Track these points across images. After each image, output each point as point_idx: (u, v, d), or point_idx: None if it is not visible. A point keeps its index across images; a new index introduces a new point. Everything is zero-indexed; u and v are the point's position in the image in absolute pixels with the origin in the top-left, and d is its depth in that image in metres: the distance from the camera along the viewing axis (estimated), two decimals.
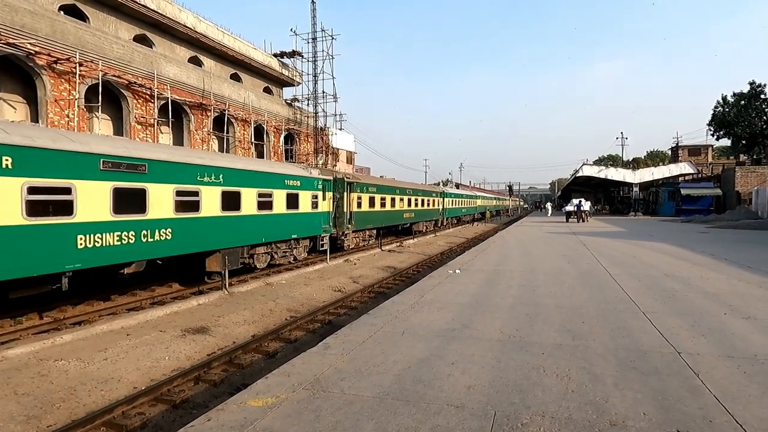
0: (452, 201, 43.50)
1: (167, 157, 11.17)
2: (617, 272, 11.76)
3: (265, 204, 14.52)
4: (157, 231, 10.66)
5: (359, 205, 22.24)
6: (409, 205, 30.44)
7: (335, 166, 42.63)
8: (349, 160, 50.02)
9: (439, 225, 39.05)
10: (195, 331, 9.32)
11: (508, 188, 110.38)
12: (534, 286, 10.10)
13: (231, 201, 13.00)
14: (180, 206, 11.30)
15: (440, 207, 38.61)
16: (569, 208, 40.94)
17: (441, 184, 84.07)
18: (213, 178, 12.31)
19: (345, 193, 20.64)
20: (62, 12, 22.51)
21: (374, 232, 25.09)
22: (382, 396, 4.43)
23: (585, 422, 3.89)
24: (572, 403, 4.25)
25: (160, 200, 10.77)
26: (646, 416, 3.99)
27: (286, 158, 37.38)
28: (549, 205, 73.16)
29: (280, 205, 15.29)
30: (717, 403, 4.22)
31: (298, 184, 16.38)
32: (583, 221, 37.86)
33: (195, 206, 11.78)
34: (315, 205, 17.50)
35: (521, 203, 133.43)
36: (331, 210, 19.13)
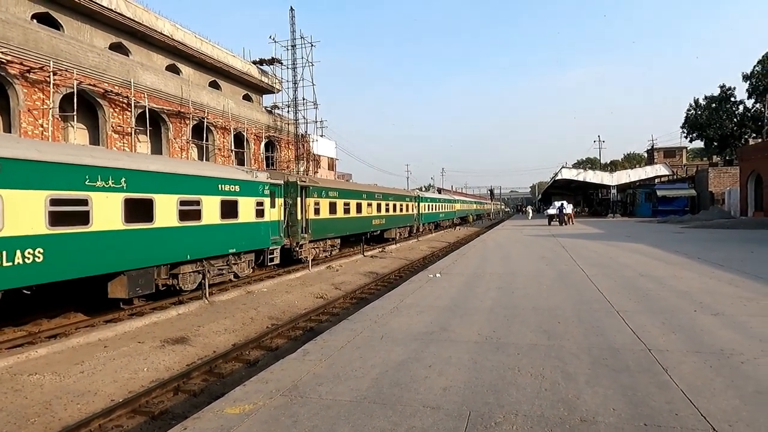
0: (429, 206, 41.90)
1: (36, 155, 8.76)
2: (594, 273, 11.99)
3: (190, 214, 12.31)
4: (17, 252, 8.27)
5: (317, 211, 20.23)
6: (379, 210, 28.46)
7: (316, 172, 42.59)
8: (331, 166, 50.02)
9: (415, 231, 37.55)
10: (174, 341, 9.23)
11: (489, 192, 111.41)
12: (512, 288, 10.25)
13: (139, 211, 10.86)
14: (58, 219, 9.01)
15: (415, 212, 37.09)
16: (551, 211, 40.31)
17: (423, 188, 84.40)
18: (111, 182, 10.13)
19: (299, 199, 18.68)
20: (35, 20, 22.16)
21: (337, 241, 23.02)
22: (359, 400, 4.48)
23: (557, 419, 3.99)
24: (545, 401, 4.35)
25: (23, 211, 8.40)
26: (615, 411, 4.10)
27: (267, 165, 37.23)
28: (529, 209, 74.03)
29: (212, 214, 13.09)
30: (684, 397, 4.36)
31: (237, 189, 14.17)
32: (566, 224, 37.21)
33: (83, 218, 9.53)
34: (261, 213, 15.34)
35: (503, 207, 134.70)
36: (283, 218, 17.27)
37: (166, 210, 11.56)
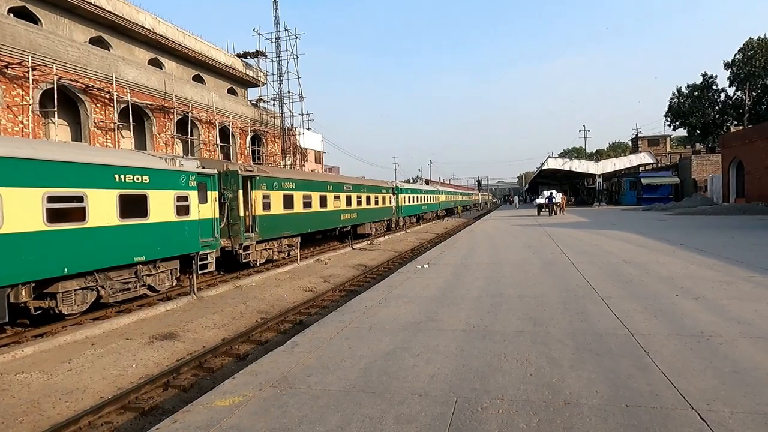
0: (409, 197, 38.90)
1: None
2: (579, 261, 12.16)
3: (67, 213, 9.50)
4: None
5: (267, 206, 17.21)
6: (349, 203, 25.58)
7: (303, 166, 42.42)
8: (318, 159, 49.86)
9: (394, 226, 34.76)
10: (163, 337, 9.20)
11: (476, 183, 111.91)
12: (499, 277, 10.37)
13: None
14: None
15: (393, 204, 34.20)
16: (540, 200, 39.57)
17: (411, 180, 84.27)
18: None
19: (241, 192, 15.69)
20: (11, 14, 21.67)
21: (296, 240, 19.82)
22: (348, 389, 4.54)
23: (541, 402, 4.09)
24: (530, 386, 4.44)
25: None
26: (598, 394, 4.21)
27: (254, 159, 36.99)
28: (516, 198, 74.55)
29: (104, 212, 10.18)
30: (664, 379, 4.49)
31: (146, 181, 11.24)
32: (555, 214, 36.43)
33: None
34: (184, 210, 12.42)
35: (490, 197, 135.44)
36: (219, 215, 14.26)
37: (24, 209, 8.62)
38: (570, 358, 5.13)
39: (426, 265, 12.56)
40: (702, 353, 5.12)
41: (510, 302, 7.91)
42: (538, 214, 37.81)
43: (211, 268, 13.81)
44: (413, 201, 40.34)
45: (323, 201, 22.30)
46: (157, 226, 11.62)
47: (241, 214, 15.55)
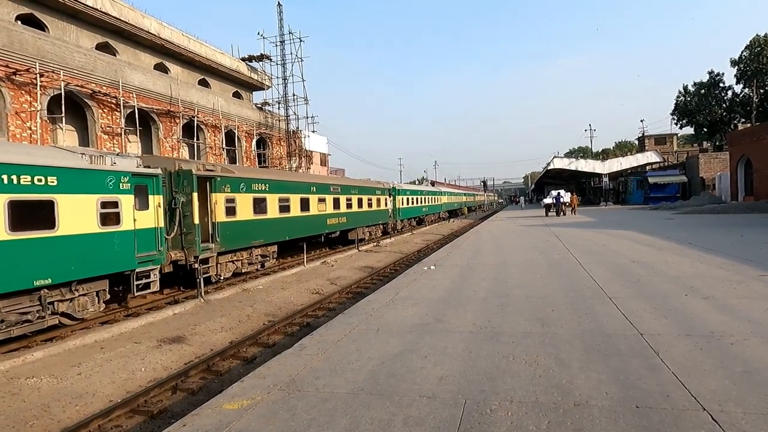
0: (408, 199, 36.43)
1: None
2: (586, 261, 12.10)
3: None
4: None
5: (232, 211, 14.80)
6: (337, 207, 23.05)
7: (309, 168, 42.52)
8: (323, 162, 49.95)
9: (391, 230, 32.34)
10: (171, 340, 9.25)
11: (482, 183, 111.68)
12: (506, 278, 10.33)
13: None
14: None
15: (390, 207, 31.86)
16: (548, 200, 37.68)
17: (416, 181, 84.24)
18: None
19: (196, 195, 13.14)
20: (19, 22, 21.89)
21: (271, 249, 17.48)
22: (356, 392, 4.53)
23: (551, 404, 4.07)
24: (539, 388, 4.42)
25: None
26: (608, 395, 4.18)
27: (260, 162, 37.12)
28: (522, 199, 74.35)
29: None
30: (674, 379, 4.45)
31: (53, 183, 9.09)
32: (564, 214, 34.91)
33: None
34: (113, 218, 10.33)
35: (496, 198, 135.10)
36: (165, 223, 11.98)
37: None
38: (579, 359, 5.10)
39: (432, 267, 12.54)
40: (712, 353, 5.08)
41: (517, 303, 7.88)
42: (546, 214, 36.30)
43: (154, 287, 11.49)
44: (413, 203, 37.96)
45: (305, 204, 19.83)
46: (70, 239, 9.38)
47: (196, 221, 13.01)
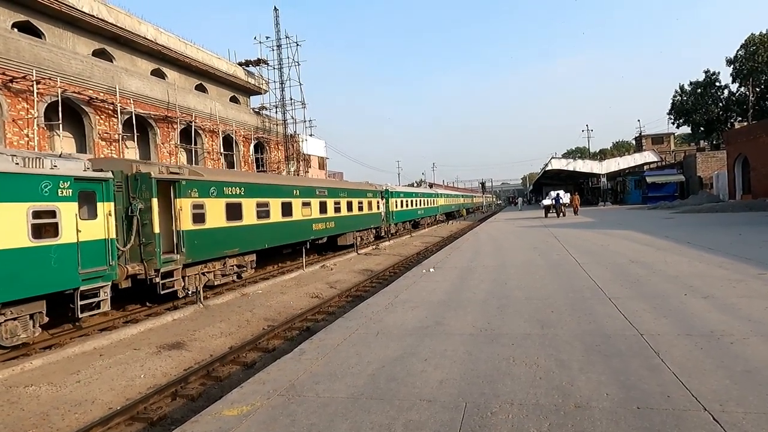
0: (402, 202, 35.19)
1: None
2: (585, 261, 12.10)
3: None
4: None
5: (200, 218, 13.32)
6: (324, 211, 21.59)
7: (307, 172, 42.52)
8: (321, 165, 49.96)
9: (384, 234, 31.14)
10: (171, 346, 9.21)
11: (480, 185, 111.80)
12: (505, 279, 10.32)
13: None
14: None
15: (382, 210, 30.44)
16: (547, 201, 36.87)
17: (414, 184, 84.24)
18: None
19: (156, 201, 11.68)
20: (16, 29, 21.90)
21: (249, 258, 16.01)
22: (356, 396, 4.51)
23: (551, 406, 4.05)
24: (539, 390, 4.41)
25: None
26: (608, 396, 4.17)
27: (257, 167, 37.12)
28: (520, 200, 74.47)
29: None
30: (675, 380, 4.44)
31: None
32: (564, 215, 34.39)
33: None
34: (50, 230, 9.11)
35: (494, 199, 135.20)
36: (117, 234, 10.64)
37: None
38: (579, 361, 5.09)
39: (432, 269, 12.53)
40: (713, 353, 5.07)
41: (517, 305, 7.87)
42: (546, 215, 35.71)
43: (105, 307, 10.18)
44: (407, 205, 36.72)
45: (287, 209, 18.31)
46: None
47: (156, 230, 11.61)
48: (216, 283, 14.50)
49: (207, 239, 13.60)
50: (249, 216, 15.76)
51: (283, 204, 18.04)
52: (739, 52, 54.48)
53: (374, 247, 26.44)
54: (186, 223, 12.77)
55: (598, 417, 3.80)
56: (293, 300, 13.33)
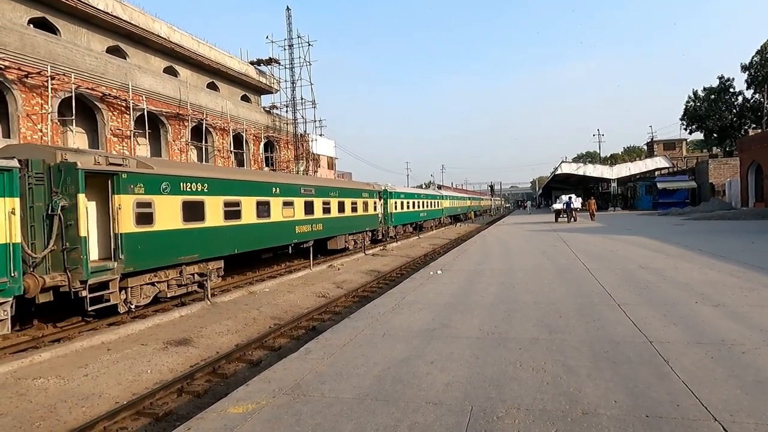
0: (402, 203, 33.20)
1: None
2: (594, 267, 12.00)
3: None
4: None
5: (148, 219, 11.39)
6: (310, 212, 19.32)
7: (316, 171, 42.62)
8: (331, 165, 50.04)
9: (381, 237, 29.37)
10: (177, 343, 9.26)
11: (489, 188, 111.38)
12: (513, 283, 10.26)
13: None
14: None
15: (379, 212, 28.60)
16: (558, 205, 35.56)
17: (423, 185, 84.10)
18: None
19: (82, 197, 9.71)
20: (31, 25, 22.16)
21: (216, 265, 13.88)
22: (361, 397, 4.50)
23: (558, 412, 4.01)
24: (546, 395, 4.37)
25: None
26: (617, 404, 4.12)
27: (267, 165, 37.27)
28: (529, 204, 74.17)
29: None
30: (685, 388, 4.38)
31: None
32: (575, 220, 33.04)
33: None
34: None
35: (503, 202, 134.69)
36: (18, 238, 8.62)
37: None
38: (587, 367, 5.03)
39: (439, 271, 12.49)
40: (723, 362, 4.99)
41: (524, 309, 7.82)
42: (556, 220, 34.43)
43: (3, 329, 8.37)
44: (408, 207, 34.59)
45: (264, 209, 16.16)
46: None
47: (83, 233, 9.62)
48: (170, 295, 12.51)
49: (155, 243, 11.66)
50: (214, 217, 13.61)
51: (258, 203, 15.87)
52: (755, 58, 53.81)
53: (382, 248, 26.42)
54: (126, 225, 10.80)
55: (606, 424, 3.76)
56: (300, 299, 13.35)
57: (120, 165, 10.85)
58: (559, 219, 34.46)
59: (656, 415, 3.87)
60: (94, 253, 10.75)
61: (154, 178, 11.77)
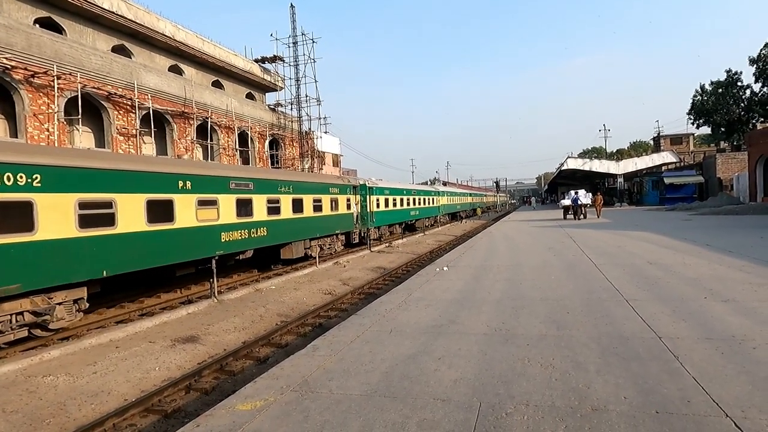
0: (387, 200, 28.92)
1: None
2: (602, 262, 11.93)
3: None
4: None
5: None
6: (246, 212, 14.68)
7: (321, 169, 42.62)
8: (336, 162, 50.02)
9: (363, 238, 25.29)
10: (185, 340, 9.30)
11: (495, 184, 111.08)
12: (520, 279, 10.22)
13: None
14: None
15: (355, 211, 23.90)
16: (566, 201, 33.35)
17: (428, 182, 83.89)
18: None
19: None
20: (37, 25, 22.25)
21: (65, 295, 9.36)
22: (369, 394, 4.49)
23: (567, 409, 3.99)
24: (555, 391, 4.34)
25: None
26: (626, 400, 4.09)
27: (272, 163, 37.30)
28: (533, 200, 73.93)
29: None
30: (695, 384, 4.34)
31: None
32: (584, 217, 31.43)
33: None
34: None
35: (509, 199, 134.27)
36: None
37: None
38: (596, 363, 5.00)
39: (445, 268, 12.46)
40: (734, 358, 4.95)
41: (532, 305, 7.78)
42: (564, 217, 32.51)
43: None
44: (395, 205, 30.33)
45: (163, 211, 11.56)
46: None
47: None
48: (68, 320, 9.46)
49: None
50: (51, 226, 8.93)
51: (150, 203, 11.13)
52: (763, 51, 53.19)
53: (387, 244, 26.39)
54: None
55: (616, 421, 3.73)
56: (306, 296, 13.37)
57: None
58: (568, 216, 32.70)
59: (667, 411, 3.84)
60: None
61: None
